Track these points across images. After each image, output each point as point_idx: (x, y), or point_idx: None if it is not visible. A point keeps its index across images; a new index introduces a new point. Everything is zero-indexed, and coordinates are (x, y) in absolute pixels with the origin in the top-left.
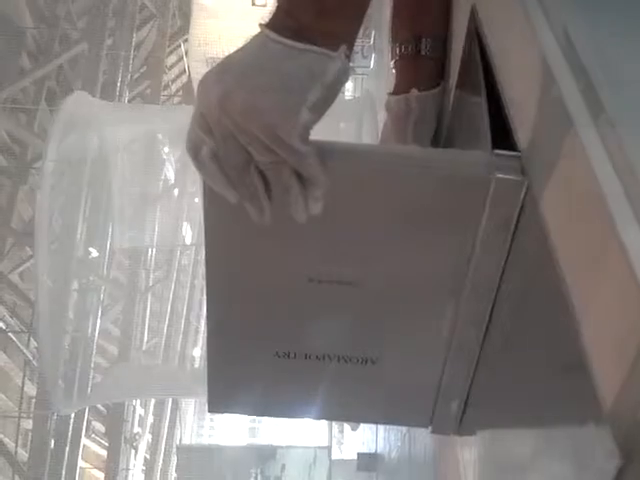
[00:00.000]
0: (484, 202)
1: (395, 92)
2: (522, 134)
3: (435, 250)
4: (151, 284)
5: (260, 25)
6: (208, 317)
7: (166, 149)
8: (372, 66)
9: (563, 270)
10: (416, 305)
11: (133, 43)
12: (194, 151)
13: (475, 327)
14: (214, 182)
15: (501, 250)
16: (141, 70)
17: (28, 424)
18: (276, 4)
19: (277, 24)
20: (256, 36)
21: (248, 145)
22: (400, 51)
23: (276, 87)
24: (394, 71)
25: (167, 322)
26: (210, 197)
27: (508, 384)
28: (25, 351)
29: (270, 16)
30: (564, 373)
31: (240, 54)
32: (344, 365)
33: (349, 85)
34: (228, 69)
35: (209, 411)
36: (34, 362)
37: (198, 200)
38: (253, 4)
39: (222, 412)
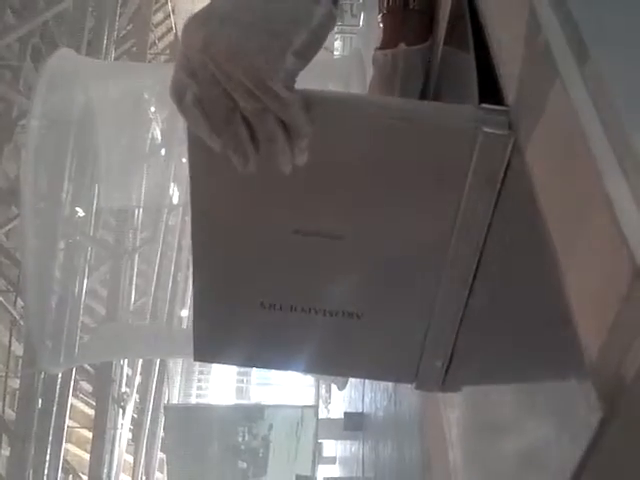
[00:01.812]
0: (470, 156)
1: (382, 47)
2: (509, 88)
3: (421, 205)
4: (138, 244)
5: None
6: (194, 267)
7: (153, 108)
8: (361, 25)
9: (548, 223)
10: (401, 261)
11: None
12: (178, 96)
13: (460, 283)
14: (198, 128)
15: (487, 205)
16: (127, 27)
17: (15, 383)
18: None
19: None
20: None
21: (233, 91)
22: (388, 4)
23: (261, 30)
24: (381, 25)
25: (154, 282)
26: (195, 146)
27: (493, 340)
28: (12, 310)
29: None
30: (549, 329)
31: None
32: (329, 319)
33: (338, 44)
34: (213, 12)
35: (195, 360)
36: (21, 322)
37: (185, 160)
38: None
39: (208, 361)
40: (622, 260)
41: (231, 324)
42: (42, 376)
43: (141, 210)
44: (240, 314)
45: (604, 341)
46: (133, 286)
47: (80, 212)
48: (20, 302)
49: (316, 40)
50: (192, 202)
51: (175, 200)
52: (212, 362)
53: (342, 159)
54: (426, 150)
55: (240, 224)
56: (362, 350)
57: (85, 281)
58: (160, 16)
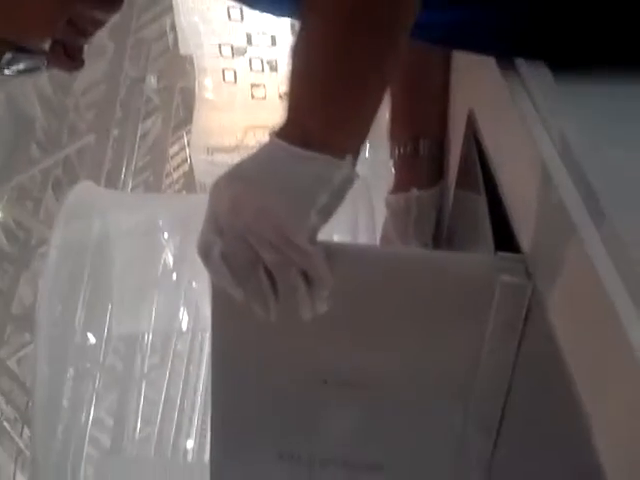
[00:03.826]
0: (490, 304)
1: (395, 191)
2: (525, 237)
3: (443, 351)
4: (146, 370)
5: (270, 134)
6: (213, 413)
7: (166, 235)
8: (367, 155)
9: (573, 375)
10: (425, 408)
11: (138, 134)
12: (205, 252)
13: (485, 432)
14: (222, 280)
15: (509, 350)
16: (145, 159)
17: None
18: (286, 114)
19: (286, 134)
20: (266, 144)
21: (257, 245)
22: (399, 151)
23: (286, 191)
24: (393, 170)
25: (161, 410)
26: (218, 294)
27: None
28: (18, 441)
29: (280, 126)
30: (582, 477)
31: (251, 161)
32: (349, 471)
33: None
34: (239, 175)
35: None
36: (27, 452)
37: (195, 285)
38: (252, 97)
39: None
40: None
41: (247, 477)
42: None
43: (150, 335)
44: (257, 465)
45: None
46: (139, 414)
47: (91, 339)
48: (27, 432)
49: (337, 199)
50: (213, 348)
51: (184, 326)
52: None
53: (364, 308)
54: (446, 299)
55: (261, 370)
56: None
57: (92, 410)
58: (176, 148)
